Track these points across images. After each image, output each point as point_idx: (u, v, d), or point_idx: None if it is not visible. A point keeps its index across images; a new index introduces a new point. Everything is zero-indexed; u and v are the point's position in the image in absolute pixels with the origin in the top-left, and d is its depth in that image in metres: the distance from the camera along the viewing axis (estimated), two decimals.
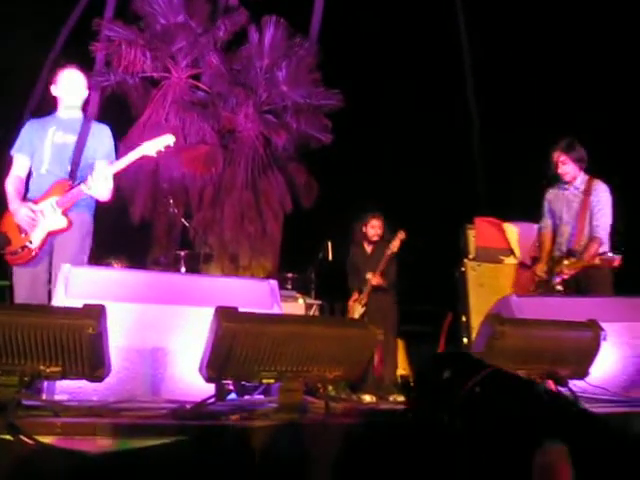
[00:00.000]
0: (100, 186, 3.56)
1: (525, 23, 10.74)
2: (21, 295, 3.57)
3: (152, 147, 3.67)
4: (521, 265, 5.40)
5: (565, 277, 4.40)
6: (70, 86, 3.80)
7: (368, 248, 5.86)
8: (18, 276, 3.62)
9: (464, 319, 6.11)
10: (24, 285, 3.58)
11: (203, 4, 10.44)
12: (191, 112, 10.15)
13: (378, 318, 5.43)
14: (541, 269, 4.65)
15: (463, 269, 6.15)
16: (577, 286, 4.42)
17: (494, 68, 10.90)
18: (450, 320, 6.43)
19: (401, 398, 5.18)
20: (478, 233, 6.15)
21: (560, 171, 4.65)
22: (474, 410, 1.83)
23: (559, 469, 1.51)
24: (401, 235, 5.60)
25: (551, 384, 2.70)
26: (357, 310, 5.66)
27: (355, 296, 5.75)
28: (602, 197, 4.54)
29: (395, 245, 5.58)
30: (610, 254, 4.32)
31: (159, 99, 10.22)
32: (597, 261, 4.29)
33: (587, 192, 4.56)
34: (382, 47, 11.37)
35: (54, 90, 3.84)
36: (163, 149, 3.70)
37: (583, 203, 4.55)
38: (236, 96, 10.12)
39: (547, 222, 4.86)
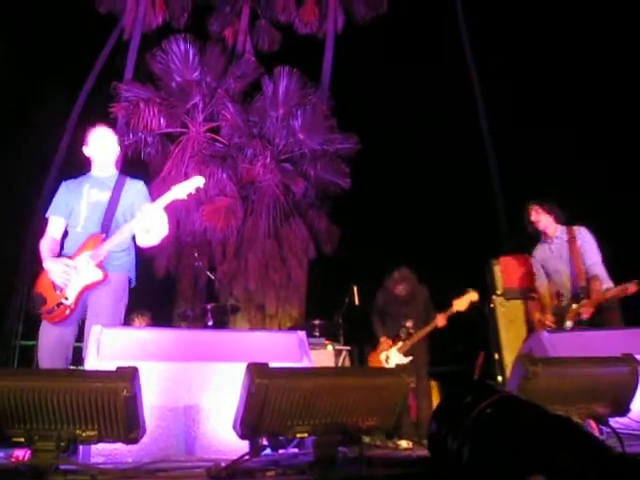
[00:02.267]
0: (145, 225, 3.52)
1: (541, 57, 10.86)
2: (46, 353, 3.48)
3: (183, 190, 3.60)
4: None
5: (582, 315, 4.51)
6: (102, 144, 3.81)
7: (408, 295, 5.68)
8: (46, 332, 3.53)
9: (496, 356, 6.02)
10: (50, 343, 3.49)
11: (218, 58, 10.74)
12: (210, 165, 10.30)
13: (411, 362, 5.35)
14: (550, 319, 4.76)
15: (492, 305, 6.10)
16: (589, 323, 4.48)
17: (509, 102, 10.99)
18: (483, 358, 6.33)
19: None
20: (504, 273, 6.16)
21: (533, 219, 5.00)
22: (482, 434, 1.78)
23: None
24: (473, 296, 5.32)
25: (592, 424, 2.64)
26: (393, 356, 5.44)
27: (389, 342, 5.54)
28: (588, 238, 4.82)
29: (462, 304, 5.30)
30: (623, 285, 4.42)
31: (178, 154, 10.42)
32: (611, 294, 4.43)
33: (572, 239, 4.84)
34: (395, 86, 11.55)
35: (86, 151, 3.85)
36: (194, 191, 3.63)
37: (572, 249, 4.80)
38: (254, 147, 10.28)
39: (542, 280, 5.06)
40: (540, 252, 5.07)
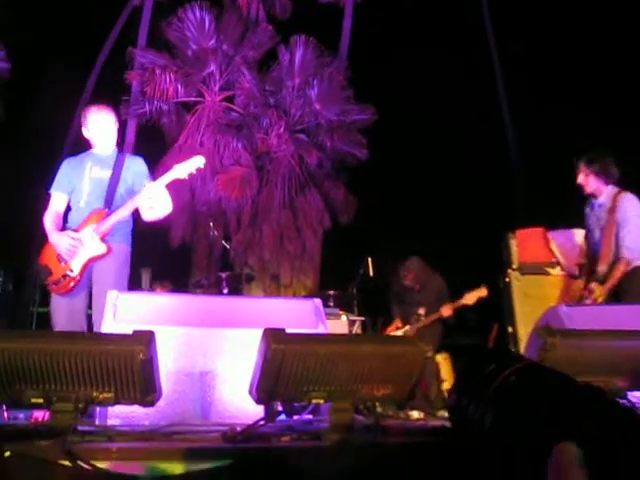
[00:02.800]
0: (147, 202, 3.67)
1: (557, 31, 10.64)
2: (59, 323, 3.67)
3: (183, 170, 3.74)
4: (570, 275, 5.28)
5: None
6: (98, 128, 3.89)
7: (415, 287, 5.84)
8: (56, 305, 3.73)
9: (510, 330, 6.00)
10: (62, 314, 3.68)
11: (235, 26, 10.62)
12: (225, 135, 10.28)
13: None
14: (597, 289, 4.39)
15: (507, 279, 6.06)
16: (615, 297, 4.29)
17: (529, 73, 10.81)
18: (496, 332, 6.33)
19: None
20: (521, 247, 6.05)
21: (579, 181, 4.54)
22: (505, 401, 1.75)
23: (569, 472, 1.44)
24: (482, 292, 5.51)
25: None
26: None
27: (397, 324, 5.73)
28: (629, 212, 4.31)
29: (471, 299, 5.50)
30: None
31: (193, 123, 10.39)
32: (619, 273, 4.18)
33: (612, 209, 4.35)
34: (414, 58, 11.38)
35: (85, 133, 3.95)
36: (194, 171, 3.78)
37: (609, 221, 4.34)
38: (269, 117, 10.22)
39: (587, 238, 4.72)
40: (587, 210, 4.63)
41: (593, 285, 4.29)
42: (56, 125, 11.13)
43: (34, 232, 9.45)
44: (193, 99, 10.61)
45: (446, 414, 4.90)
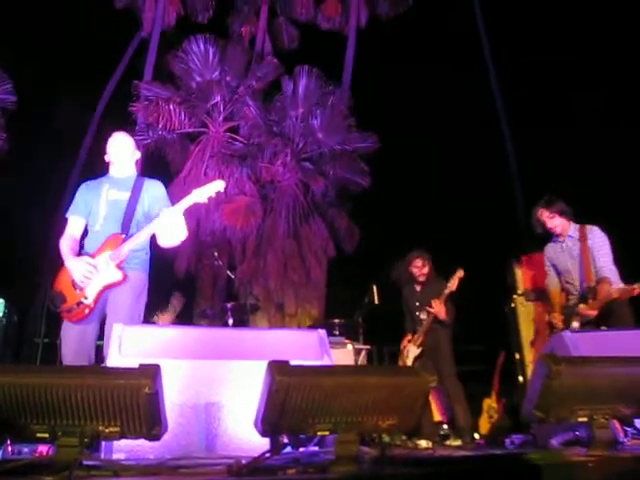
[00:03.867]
0: (165, 228, 3.60)
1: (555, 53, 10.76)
2: (69, 352, 3.54)
3: (203, 194, 3.66)
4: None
5: (588, 316, 4.45)
6: (117, 148, 3.88)
7: (418, 287, 5.76)
8: (67, 332, 3.59)
9: (517, 356, 5.97)
10: (72, 342, 3.55)
11: (239, 57, 10.78)
12: (230, 165, 10.36)
13: (433, 356, 5.38)
14: (558, 319, 4.71)
15: (513, 305, 6.05)
16: (597, 323, 4.45)
17: (529, 101, 10.91)
18: (503, 358, 6.29)
19: (457, 442, 5.05)
20: (525, 274, 6.11)
21: (549, 225, 4.86)
22: None
23: None
24: (460, 274, 5.47)
25: (617, 424, 2.61)
26: (412, 351, 5.52)
27: (409, 337, 5.64)
28: (598, 239, 4.70)
29: (453, 284, 5.45)
30: (624, 285, 4.40)
31: (198, 154, 10.49)
32: (616, 294, 4.37)
33: (583, 238, 4.73)
34: (415, 85, 11.51)
35: (107, 158, 3.93)
36: (214, 195, 3.70)
37: (582, 249, 4.71)
38: (274, 146, 10.31)
39: (553, 279, 4.97)
40: (551, 250, 4.98)
41: (581, 306, 4.53)
42: (63, 156, 11.27)
43: (39, 263, 9.53)
44: (197, 130, 10.72)
45: (454, 443, 4.87)
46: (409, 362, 5.45)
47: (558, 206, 4.85)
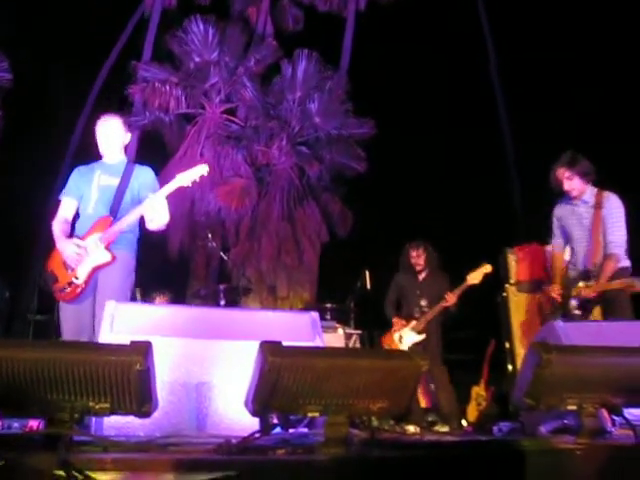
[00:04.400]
0: (150, 213, 3.73)
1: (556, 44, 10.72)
2: (68, 330, 3.70)
3: (187, 178, 3.80)
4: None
5: (585, 298, 4.18)
6: (105, 133, 3.98)
7: (420, 276, 5.72)
8: (64, 312, 3.76)
9: (507, 345, 5.99)
10: (70, 321, 3.71)
11: (238, 38, 10.68)
12: (226, 146, 10.33)
13: (423, 341, 5.39)
14: (556, 291, 4.37)
15: (504, 294, 6.06)
16: (598, 304, 4.24)
17: (526, 84, 10.87)
18: (493, 347, 6.32)
19: (445, 428, 5.09)
20: (518, 265, 6.03)
21: (567, 187, 4.36)
22: None
23: None
24: (486, 268, 5.34)
25: (605, 414, 2.62)
26: (409, 336, 5.45)
27: (402, 321, 5.56)
28: (615, 210, 4.26)
29: (477, 277, 5.33)
30: (632, 279, 4.08)
31: (194, 135, 10.43)
32: (616, 285, 4.06)
33: (598, 206, 4.27)
34: (413, 73, 11.45)
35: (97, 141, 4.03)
36: (198, 179, 3.84)
37: (595, 218, 4.26)
38: (270, 129, 10.27)
39: (558, 240, 4.59)
40: (561, 211, 4.51)
41: (581, 284, 4.21)
42: (58, 135, 11.18)
43: (33, 240, 9.50)
44: (194, 111, 10.65)
45: (442, 429, 4.90)
46: (402, 347, 5.44)
47: (581, 166, 4.32)
